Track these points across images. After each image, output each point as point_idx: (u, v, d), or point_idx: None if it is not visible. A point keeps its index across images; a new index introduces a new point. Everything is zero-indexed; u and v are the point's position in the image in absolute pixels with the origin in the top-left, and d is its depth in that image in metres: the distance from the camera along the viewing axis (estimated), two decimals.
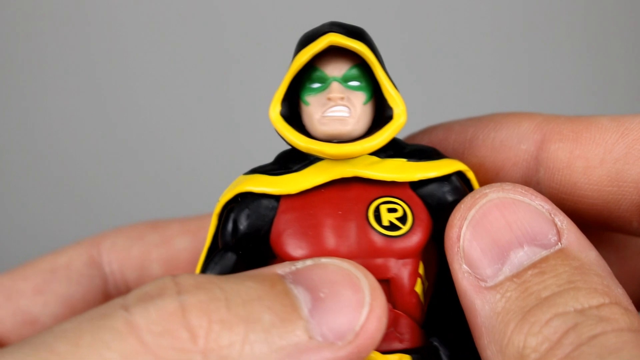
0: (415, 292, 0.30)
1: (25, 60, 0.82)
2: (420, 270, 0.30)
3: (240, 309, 0.26)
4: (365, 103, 0.30)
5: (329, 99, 0.29)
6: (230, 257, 0.30)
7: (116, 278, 0.41)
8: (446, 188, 0.30)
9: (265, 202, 0.30)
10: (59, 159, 0.83)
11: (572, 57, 0.82)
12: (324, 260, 0.28)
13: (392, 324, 0.29)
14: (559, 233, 0.28)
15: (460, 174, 0.31)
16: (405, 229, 0.29)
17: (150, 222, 0.42)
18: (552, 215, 0.28)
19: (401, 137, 0.36)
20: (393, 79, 0.31)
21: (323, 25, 0.30)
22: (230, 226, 0.31)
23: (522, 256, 0.28)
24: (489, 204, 0.28)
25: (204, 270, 0.31)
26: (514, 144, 0.33)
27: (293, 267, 0.28)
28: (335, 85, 0.29)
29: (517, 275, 0.28)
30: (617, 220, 0.32)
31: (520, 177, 0.33)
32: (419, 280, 0.30)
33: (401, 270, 0.29)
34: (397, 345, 0.29)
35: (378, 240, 0.29)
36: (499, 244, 0.28)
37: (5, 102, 0.82)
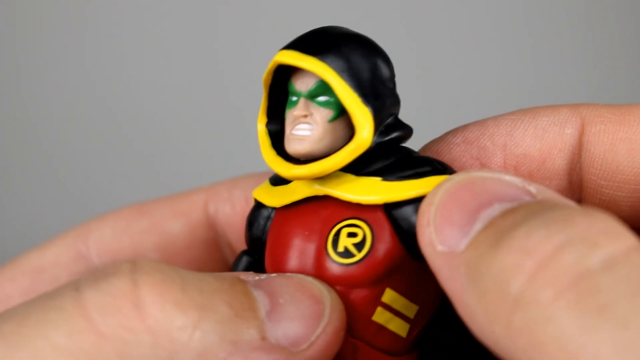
0: (374, 322, 0.28)
1: (23, 57, 0.82)
2: (386, 299, 0.28)
3: (197, 295, 0.25)
4: (331, 120, 0.29)
5: (295, 116, 0.29)
6: (245, 260, 0.31)
7: None
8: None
9: (264, 211, 0.31)
10: (56, 156, 0.83)
11: (579, 58, 0.82)
12: (288, 274, 0.28)
13: (351, 353, 0.28)
14: (534, 196, 0.25)
15: None
16: (358, 257, 0.28)
17: (135, 206, 0.40)
18: (527, 185, 0.26)
19: (429, 138, 0.35)
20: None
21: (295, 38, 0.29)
22: (245, 231, 0.31)
23: (492, 211, 0.25)
24: (456, 184, 0.26)
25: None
26: (557, 130, 0.32)
27: (256, 277, 0.28)
28: (301, 102, 0.29)
29: (488, 223, 0.24)
30: None
31: (566, 164, 0.32)
32: (379, 310, 0.28)
33: (353, 299, 0.28)
34: None
35: (329, 267, 0.28)
36: (467, 209, 0.25)
37: (6, 101, 0.82)
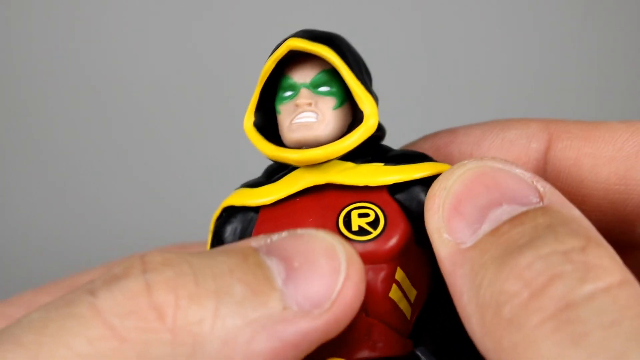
0: (390, 299, 0.29)
1: (27, 63, 0.81)
2: (398, 277, 0.29)
3: (210, 282, 0.25)
4: (335, 108, 0.29)
5: (297, 105, 0.29)
6: None
7: None
8: (425, 191, 0.29)
9: (245, 215, 0.30)
10: (64, 166, 0.83)
11: (578, 62, 0.83)
12: (299, 231, 0.27)
13: (365, 331, 0.28)
14: (541, 196, 0.27)
15: None
16: (375, 233, 0.28)
17: (177, 245, 0.41)
18: (535, 182, 0.27)
19: (402, 143, 0.36)
20: (381, 83, 0.30)
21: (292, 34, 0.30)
22: (216, 242, 0.31)
23: (500, 213, 0.26)
24: (468, 172, 0.27)
25: None
26: (523, 143, 0.33)
27: (268, 240, 0.27)
28: (303, 92, 0.29)
29: (496, 229, 0.26)
30: (621, 225, 0.32)
31: None
32: (394, 287, 0.29)
33: (371, 275, 0.28)
34: (367, 353, 0.28)
35: None
36: (477, 205, 0.27)
37: (8, 106, 0.82)
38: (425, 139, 0.36)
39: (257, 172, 0.32)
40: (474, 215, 0.26)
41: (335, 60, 0.29)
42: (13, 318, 0.37)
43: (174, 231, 0.75)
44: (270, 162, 0.32)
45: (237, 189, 0.31)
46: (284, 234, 0.27)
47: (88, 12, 0.81)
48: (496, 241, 0.25)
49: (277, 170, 0.31)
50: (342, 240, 0.27)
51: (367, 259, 0.28)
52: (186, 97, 0.82)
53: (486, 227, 0.26)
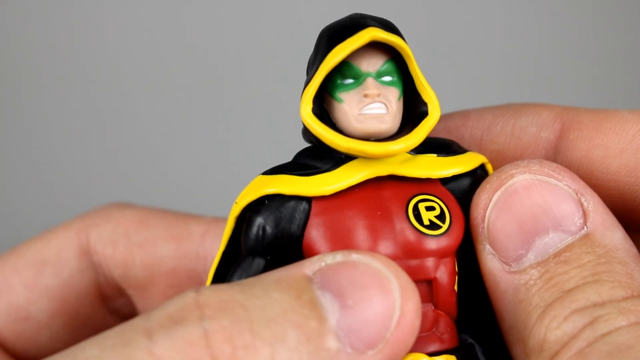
0: (455, 291, 0.29)
1: (23, 61, 0.82)
2: (456, 269, 0.29)
3: (265, 330, 0.25)
4: (399, 99, 0.29)
5: (366, 95, 0.28)
6: (259, 264, 0.29)
7: (104, 270, 0.40)
8: (473, 182, 0.30)
9: (295, 204, 0.29)
10: (57, 158, 0.83)
11: (580, 57, 0.82)
12: (354, 256, 0.27)
13: (434, 325, 0.29)
14: (585, 215, 0.28)
15: (482, 167, 0.31)
16: (445, 227, 0.28)
17: (139, 215, 0.41)
18: (579, 195, 0.28)
19: None
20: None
21: (353, 19, 0.29)
22: (257, 230, 0.29)
23: (547, 242, 0.28)
24: (515, 185, 0.28)
25: (230, 277, 0.29)
26: (534, 132, 0.33)
27: (322, 264, 0.27)
28: (370, 81, 0.29)
29: (541, 263, 0.28)
30: (630, 214, 0.32)
31: None
32: (456, 279, 0.29)
33: (442, 270, 0.29)
34: (438, 346, 0.29)
35: (421, 240, 0.28)
36: (524, 228, 0.28)
37: (5, 103, 0.82)
38: (439, 120, 0.36)
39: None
40: (520, 240, 0.28)
41: (409, 52, 0.29)
42: None
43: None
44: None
45: (266, 174, 0.30)
46: (339, 256, 0.27)
47: (84, 5, 0.80)
48: (541, 278, 0.27)
49: (319, 158, 0.30)
50: (398, 271, 0.26)
51: (440, 253, 0.28)
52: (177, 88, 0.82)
53: (532, 256, 0.28)
